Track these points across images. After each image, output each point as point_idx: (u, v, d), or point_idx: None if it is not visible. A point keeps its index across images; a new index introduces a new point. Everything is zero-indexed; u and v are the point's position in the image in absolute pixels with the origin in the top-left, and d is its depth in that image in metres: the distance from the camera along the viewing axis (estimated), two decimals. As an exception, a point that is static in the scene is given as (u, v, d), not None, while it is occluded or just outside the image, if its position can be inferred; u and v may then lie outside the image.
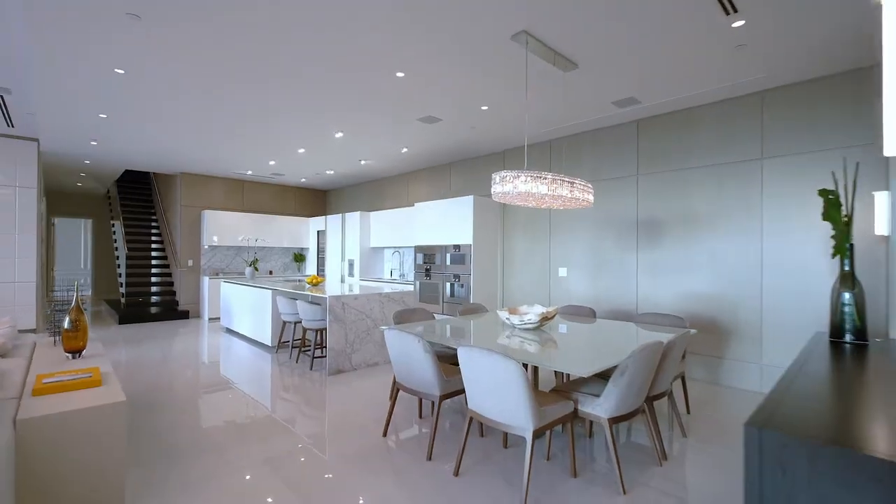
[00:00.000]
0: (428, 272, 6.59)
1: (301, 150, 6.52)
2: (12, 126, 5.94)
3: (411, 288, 6.95)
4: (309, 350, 5.25)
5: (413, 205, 7.89)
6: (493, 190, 3.03)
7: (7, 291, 6.28)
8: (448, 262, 6.27)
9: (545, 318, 3.19)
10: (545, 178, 2.92)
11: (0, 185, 6.28)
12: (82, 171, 8.40)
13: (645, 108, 4.50)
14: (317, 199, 10.48)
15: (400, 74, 3.77)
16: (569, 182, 3.04)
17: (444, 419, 3.33)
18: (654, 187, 4.74)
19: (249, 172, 8.35)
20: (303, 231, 9.88)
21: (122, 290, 8.59)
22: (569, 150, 5.54)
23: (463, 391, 2.78)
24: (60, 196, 11.35)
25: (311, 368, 4.63)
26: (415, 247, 6.83)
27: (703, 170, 4.38)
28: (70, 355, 2.81)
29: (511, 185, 2.87)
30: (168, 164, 7.76)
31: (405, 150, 6.37)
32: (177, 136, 5.87)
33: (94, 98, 4.42)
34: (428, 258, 6.60)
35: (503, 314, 3.29)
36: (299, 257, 9.98)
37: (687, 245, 4.48)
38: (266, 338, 5.66)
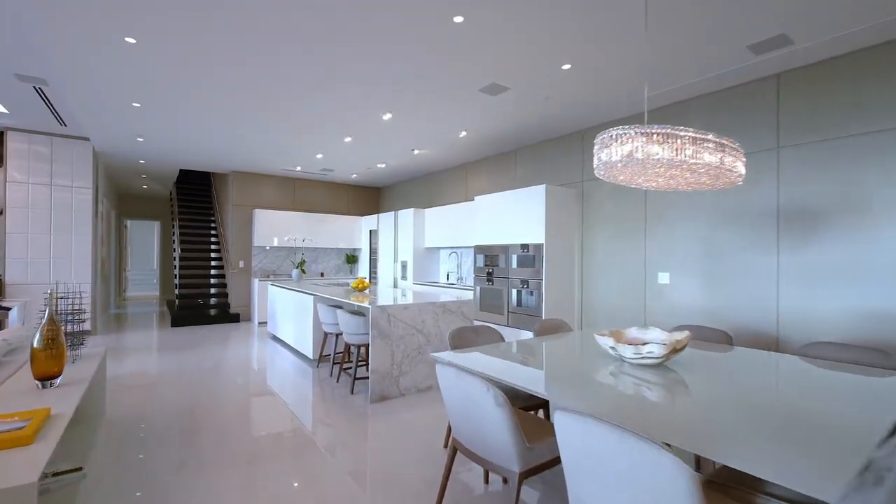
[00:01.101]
0: (490, 276, 5.64)
1: (347, 139, 5.86)
2: (64, 125, 5.82)
3: (470, 295, 6.04)
4: (351, 368, 4.50)
5: (472, 199, 6.98)
6: (597, 159, 2.04)
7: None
8: (514, 265, 5.28)
9: (674, 350, 2.14)
10: (682, 137, 1.89)
11: (56, 185, 6.23)
12: (141, 171, 8.40)
13: (794, 52, 3.25)
14: (370, 198, 9.90)
15: (458, 19, 2.88)
16: (716, 142, 1.97)
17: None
18: (804, 163, 3.46)
19: (299, 168, 7.88)
20: (355, 231, 9.32)
21: (176, 291, 8.48)
22: (676, 121, 4.34)
23: (555, 463, 1.81)
24: (131, 198, 11.75)
25: (351, 392, 3.86)
26: (474, 247, 5.91)
27: (888, 136, 3.06)
28: (40, 383, 2.21)
29: (629, 146, 1.86)
30: (218, 163, 7.48)
31: (463, 133, 5.48)
32: (210, 126, 5.41)
33: (119, 80, 3.97)
34: (490, 260, 5.65)
35: (605, 341, 2.28)
36: (351, 258, 9.43)
37: (860, 243, 3.17)
38: (307, 349, 5.01)
